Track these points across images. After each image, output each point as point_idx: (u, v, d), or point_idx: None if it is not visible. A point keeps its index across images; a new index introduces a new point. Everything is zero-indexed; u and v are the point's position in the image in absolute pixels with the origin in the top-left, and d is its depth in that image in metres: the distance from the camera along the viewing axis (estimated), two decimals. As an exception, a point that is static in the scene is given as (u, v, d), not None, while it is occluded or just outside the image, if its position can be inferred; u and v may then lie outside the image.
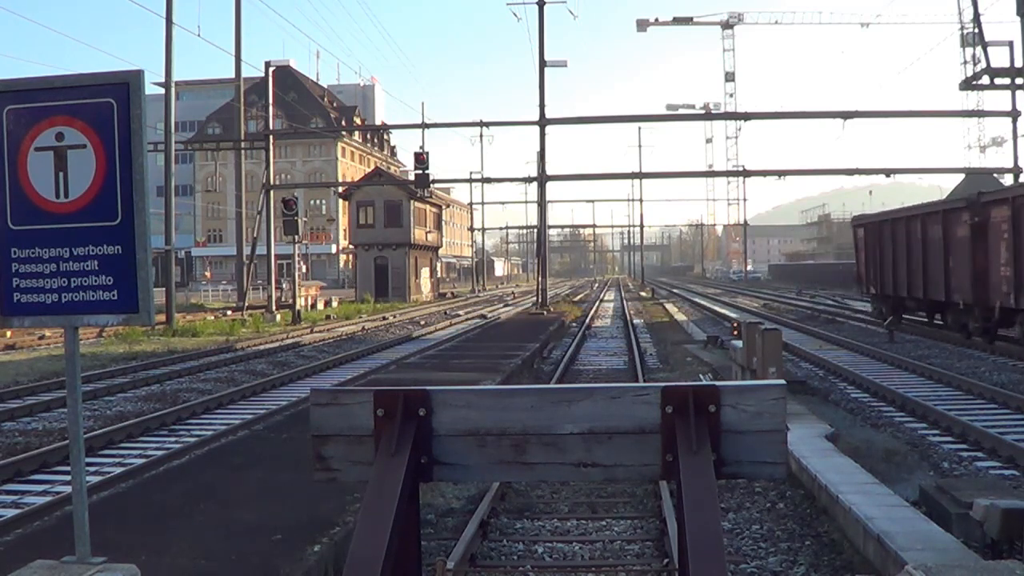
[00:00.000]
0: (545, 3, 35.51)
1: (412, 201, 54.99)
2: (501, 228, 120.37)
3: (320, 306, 43.39)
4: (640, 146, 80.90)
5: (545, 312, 34.85)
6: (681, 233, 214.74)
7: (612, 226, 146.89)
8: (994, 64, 37.36)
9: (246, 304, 40.78)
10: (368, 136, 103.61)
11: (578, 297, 60.86)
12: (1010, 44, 36.98)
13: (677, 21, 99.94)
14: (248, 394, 14.97)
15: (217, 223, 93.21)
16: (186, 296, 50.54)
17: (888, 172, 37.72)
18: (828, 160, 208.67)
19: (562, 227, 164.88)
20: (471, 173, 60.85)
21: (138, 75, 3.54)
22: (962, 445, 9.88)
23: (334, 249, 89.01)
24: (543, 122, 35.39)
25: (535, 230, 53.11)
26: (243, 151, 44.93)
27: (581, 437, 2.52)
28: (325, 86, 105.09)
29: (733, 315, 31.14)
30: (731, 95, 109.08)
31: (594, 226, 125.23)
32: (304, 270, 53.73)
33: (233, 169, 56.40)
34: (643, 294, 65.49)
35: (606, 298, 60.12)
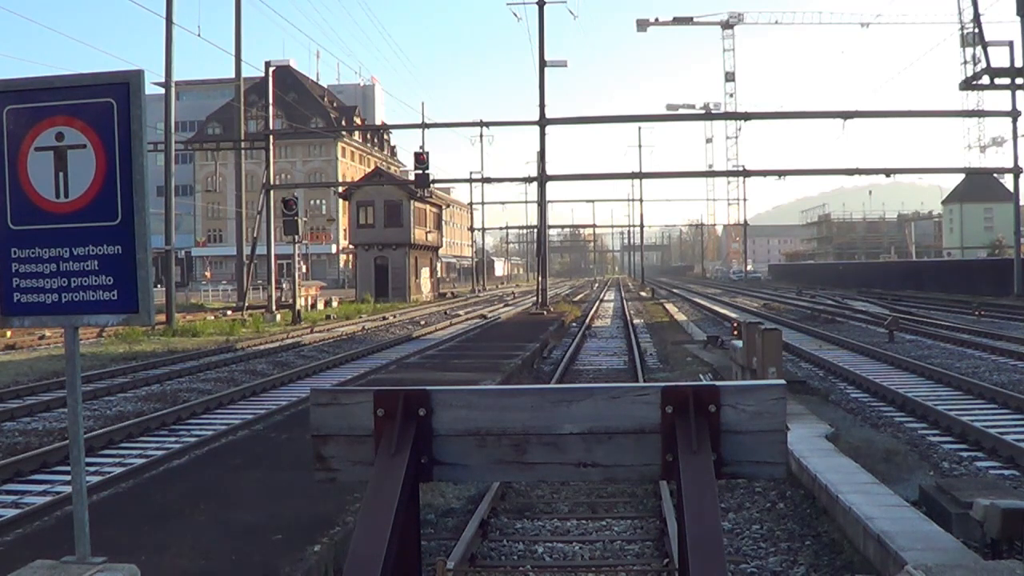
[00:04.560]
0: (545, 3, 35.53)
1: (412, 201, 54.98)
2: (501, 228, 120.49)
3: (320, 306, 43.36)
4: (640, 146, 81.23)
5: (545, 312, 34.82)
6: (681, 233, 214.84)
7: (612, 226, 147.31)
8: (994, 64, 37.42)
9: (246, 304, 40.76)
10: (368, 136, 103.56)
11: (578, 297, 60.88)
12: (1010, 44, 37.07)
13: (677, 21, 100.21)
14: (248, 394, 14.96)
15: (217, 223, 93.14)
16: (186, 296, 50.52)
17: (888, 172, 37.75)
18: (828, 160, 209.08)
19: (562, 227, 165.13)
20: (471, 173, 60.99)
21: (138, 75, 3.54)
22: (962, 445, 9.88)
23: (334, 249, 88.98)
24: (543, 122, 35.40)
25: (535, 230, 53.08)
26: (243, 151, 44.93)
27: (581, 437, 2.52)
28: (325, 86, 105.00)
29: (733, 315, 31.13)
30: (731, 95, 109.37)
31: (594, 226, 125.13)
32: (304, 270, 53.73)
33: (233, 169, 56.38)
34: (643, 294, 65.48)
35: (606, 298, 60.10)
